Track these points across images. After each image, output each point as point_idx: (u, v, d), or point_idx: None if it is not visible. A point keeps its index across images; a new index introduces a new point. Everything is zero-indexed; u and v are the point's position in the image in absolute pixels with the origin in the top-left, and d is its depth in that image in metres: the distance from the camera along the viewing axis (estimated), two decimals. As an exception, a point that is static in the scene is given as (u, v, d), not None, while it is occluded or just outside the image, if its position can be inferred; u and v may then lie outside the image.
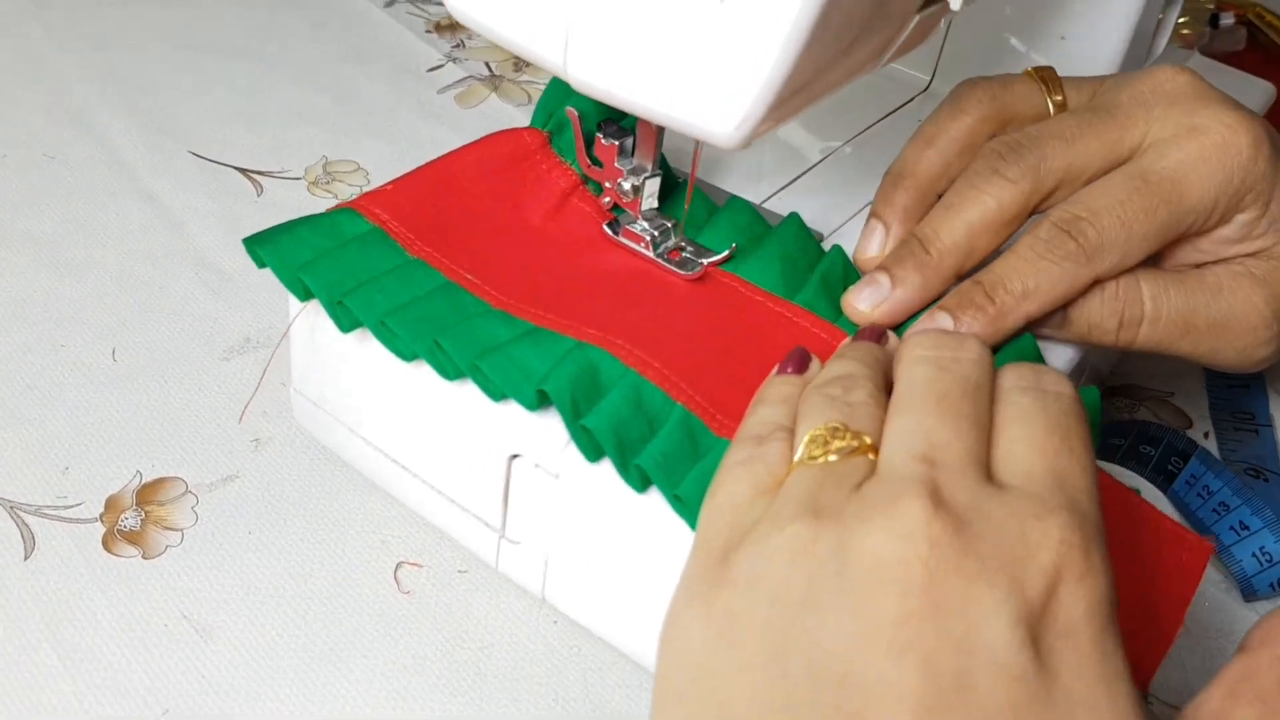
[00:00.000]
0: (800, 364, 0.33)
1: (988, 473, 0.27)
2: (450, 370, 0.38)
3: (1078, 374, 0.45)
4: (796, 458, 0.29)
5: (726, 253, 0.41)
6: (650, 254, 0.41)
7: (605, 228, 0.42)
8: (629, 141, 0.41)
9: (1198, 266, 0.41)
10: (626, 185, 0.41)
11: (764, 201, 0.47)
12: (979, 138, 0.41)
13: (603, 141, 0.41)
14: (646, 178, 0.41)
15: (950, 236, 0.39)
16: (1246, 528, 0.48)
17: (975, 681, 0.23)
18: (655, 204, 0.42)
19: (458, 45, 0.75)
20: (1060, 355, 0.42)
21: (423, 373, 0.38)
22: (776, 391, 0.32)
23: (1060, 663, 0.24)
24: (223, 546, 0.43)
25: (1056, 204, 0.39)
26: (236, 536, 0.44)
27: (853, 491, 0.27)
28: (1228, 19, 0.88)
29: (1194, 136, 0.38)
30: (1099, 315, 0.40)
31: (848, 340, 0.36)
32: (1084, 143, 0.39)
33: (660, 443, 0.34)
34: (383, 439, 0.42)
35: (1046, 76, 0.42)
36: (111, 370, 0.50)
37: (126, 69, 0.68)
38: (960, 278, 0.40)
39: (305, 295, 0.40)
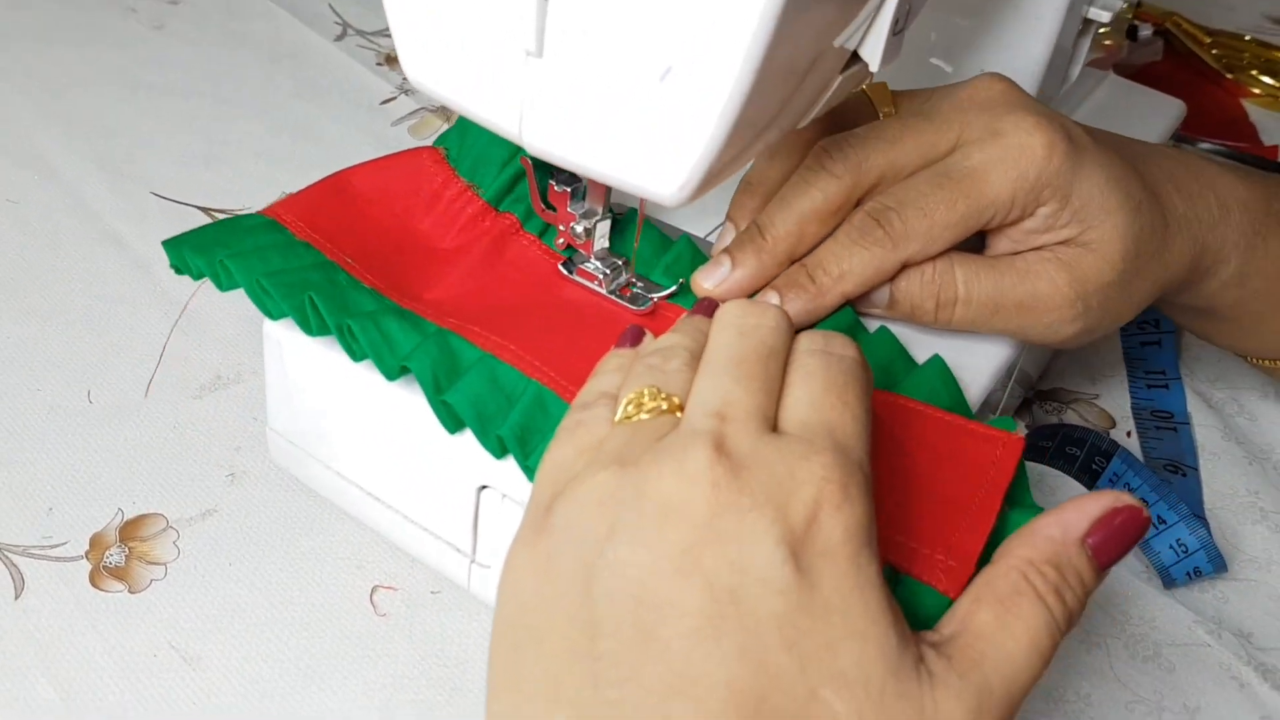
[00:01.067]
0: (635, 339, 0.37)
1: (773, 425, 0.31)
2: (315, 327, 0.41)
3: (1006, 375, 0.49)
4: (616, 418, 0.33)
5: (674, 288, 0.44)
6: (603, 291, 0.44)
7: (560, 268, 0.45)
8: (581, 188, 0.44)
9: (1015, 255, 0.45)
10: (579, 228, 0.44)
11: (709, 234, 0.50)
12: None
13: (555, 189, 0.43)
14: (597, 220, 0.44)
15: (783, 225, 0.43)
16: (1164, 521, 0.51)
17: (747, 595, 0.27)
18: (606, 244, 0.45)
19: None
20: (994, 357, 0.46)
21: (394, 407, 0.41)
22: (609, 363, 0.36)
23: (820, 577, 0.28)
24: (205, 578, 0.46)
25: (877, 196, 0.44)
26: (218, 568, 0.46)
27: (655, 443, 0.31)
28: (1145, 29, 0.91)
29: (996, 139, 0.43)
30: (919, 297, 0.44)
31: (684, 315, 0.39)
32: (903, 144, 0.44)
33: (517, 415, 0.38)
34: (356, 473, 0.44)
35: (875, 92, 0.47)
36: (88, 412, 0.52)
37: (84, 111, 0.70)
38: (793, 261, 0.44)
39: (197, 273, 0.43)
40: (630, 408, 0.32)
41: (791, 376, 0.32)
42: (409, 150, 0.49)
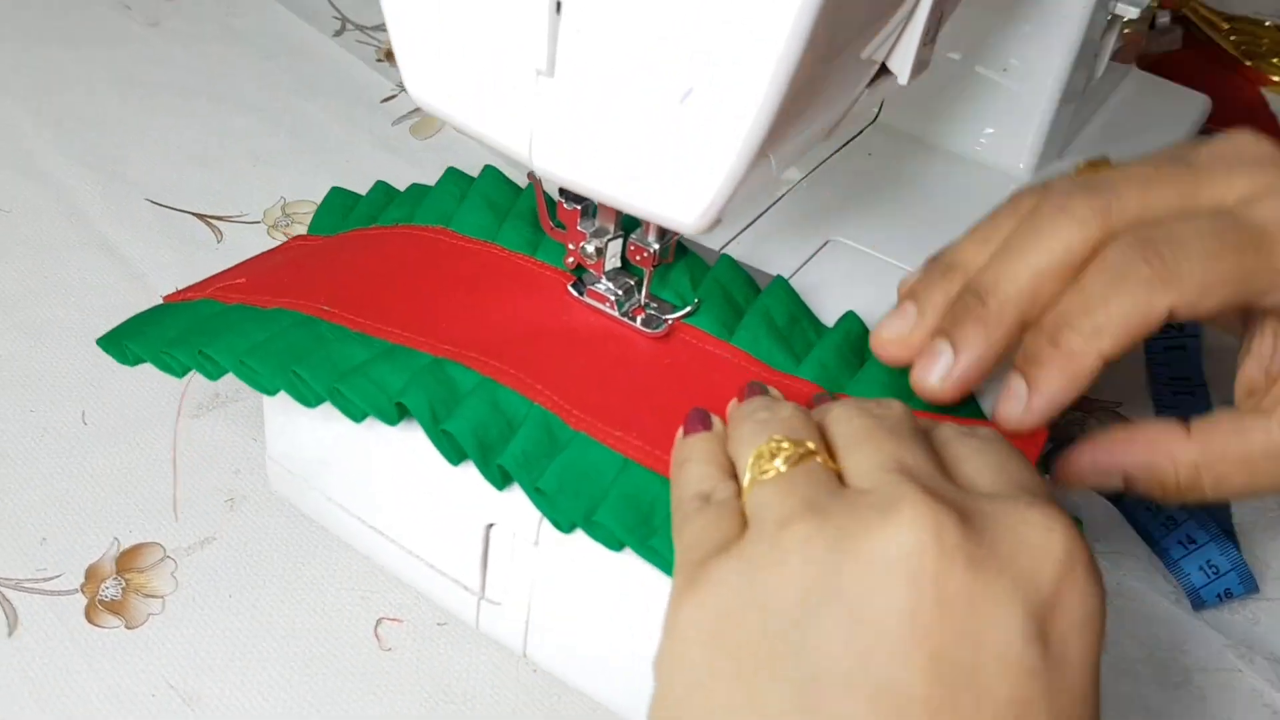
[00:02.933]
0: (704, 421, 0.33)
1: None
2: (310, 398, 0.39)
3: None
4: (745, 482, 0.29)
5: (689, 308, 0.42)
6: (615, 313, 0.42)
7: (570, 289, 0.43)
8: (591, 205, 0.42)
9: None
10: (590, 248, 0.42)
11: (723, 247, 0.48)
12: None
13: (565, 206, 0.42)
14: (609, 239, 0.42)
15: (1013, 285, 0.35)
16: (1193, 541, 0.50)
17: (985, 676, 0.23)
18: (619, 264, 0.43)
19: (409, 73, 0.75)
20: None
21: (397, 445, 0.39)
22: (693, 449, 0.32)
23: (1069, 656, 0.24)
24: (204, 611, 0.44)
25: None
26: (217, 600, 0.45)
27: (832, 493, 0.26)
28: (1163, 16, 0.89)
29: None
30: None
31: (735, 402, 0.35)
32: (1160, 189, 0.35)
33: (520, 441, 0.36)
34: (358, 506, 0.43)
35: (1098, 167, 0.41)
36: (83, 434, 0.50)
37: (76, 112, 0.68)
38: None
39: (181, 369, 0.42)
40: (762, 463, 0.28)
41: (953, 453, 0.28)
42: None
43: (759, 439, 0.29)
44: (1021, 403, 0.35)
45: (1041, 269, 0.35)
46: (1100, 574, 0.26)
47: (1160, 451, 0.37)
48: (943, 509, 0.25)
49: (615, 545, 0.36)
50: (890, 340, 0.37)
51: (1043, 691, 0.24)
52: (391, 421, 0.38)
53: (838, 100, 0.35)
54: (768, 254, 0.47)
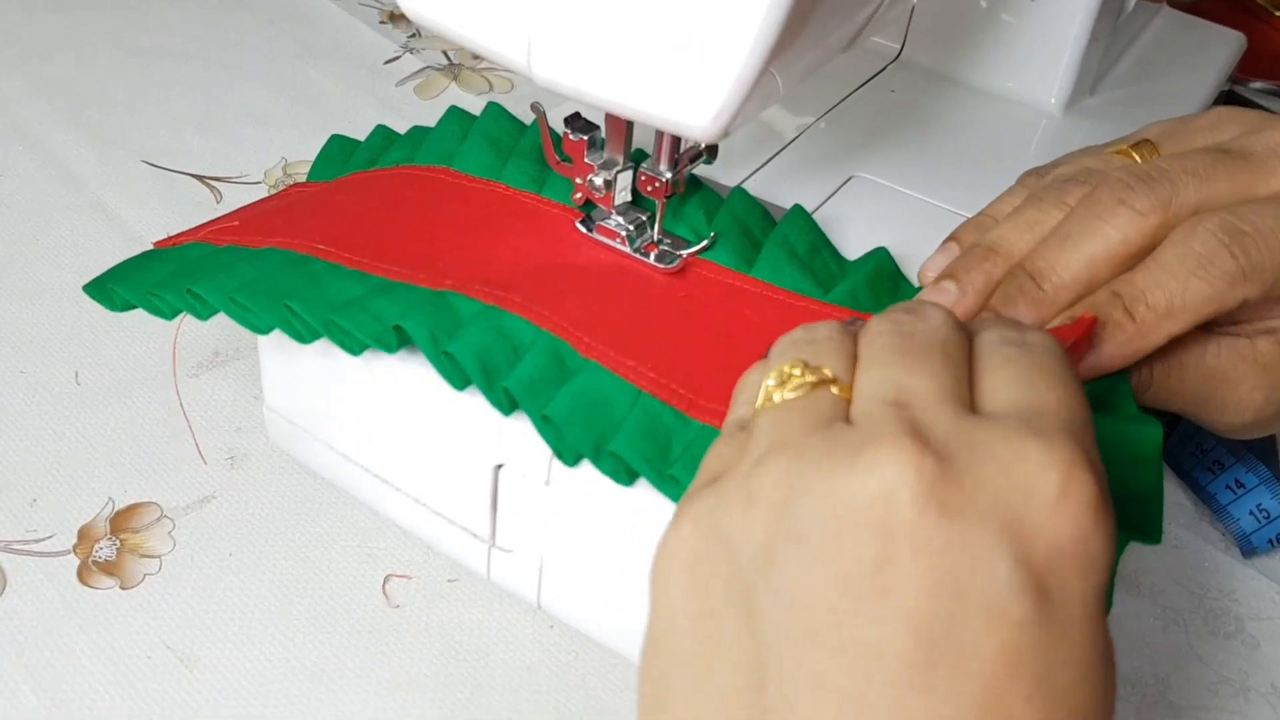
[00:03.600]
0: None
1: (970, 409, 0.25)
2: (305, 333, 0.37)
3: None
4: (757, 404, 0.27)
5: (705, 242, 0.40)
6: (627, 249, 0.40)
7: (578, 225, 0.41)
8: (598, 135, 0.40)
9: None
10: (598, 181, 0.39)
11: (741, 184, 0.45)
12: None
13: (570, 137, 0.39)
14: (618, 171, 0.40)
15: (1069, 271, 0.35)
16: (1242, 485, 0.47)
17: (967, 629, 0.21)
18: (629, 198, 0.40)
19: (414, 35, 0.73)
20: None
21: (400, 383, 0.37)
22: (754, 376, 0.30)
23: (1068, 603, 0.22)
24: (203, 571, 0.42)
25: None
26: (217, 559, 0.43)
27: (818, 429, 0.24)
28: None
29: None
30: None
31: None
32: (1217, 182, 0.35)
33: (526, 366, 0.34)
34: (362, 453, 0.41)
35: (1141, 151, 0.39)
36: (76, 394, 0.48)
37: (70, 78, 0.66)
38: None
39: (171, 311, 0.39)
40: (774, 388, 0.26)
41: (982, 366, 0.26)
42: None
43: (783, 362, 0.27)
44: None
45: (1098, 258, 0.35)
46: (1109, 513, 0.23)
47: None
48: (922, 448, 0.22)
49: (626, 479, 0.33)
50: None
51: (1036, 643, 0.21)
52: (391, 348, 0.35)
53: (853, 6, 0.32)
54: (786, 191, 0.45)
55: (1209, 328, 0.37)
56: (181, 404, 0.48)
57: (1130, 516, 0.30)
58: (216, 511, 0.44)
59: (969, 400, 0.25)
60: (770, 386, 0.26)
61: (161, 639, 0.40)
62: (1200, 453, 0.49)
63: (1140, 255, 0.35)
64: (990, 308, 0.36)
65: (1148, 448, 0.31)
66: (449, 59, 0.71)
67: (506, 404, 0.35)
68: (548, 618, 0.41)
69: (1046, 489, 0.22)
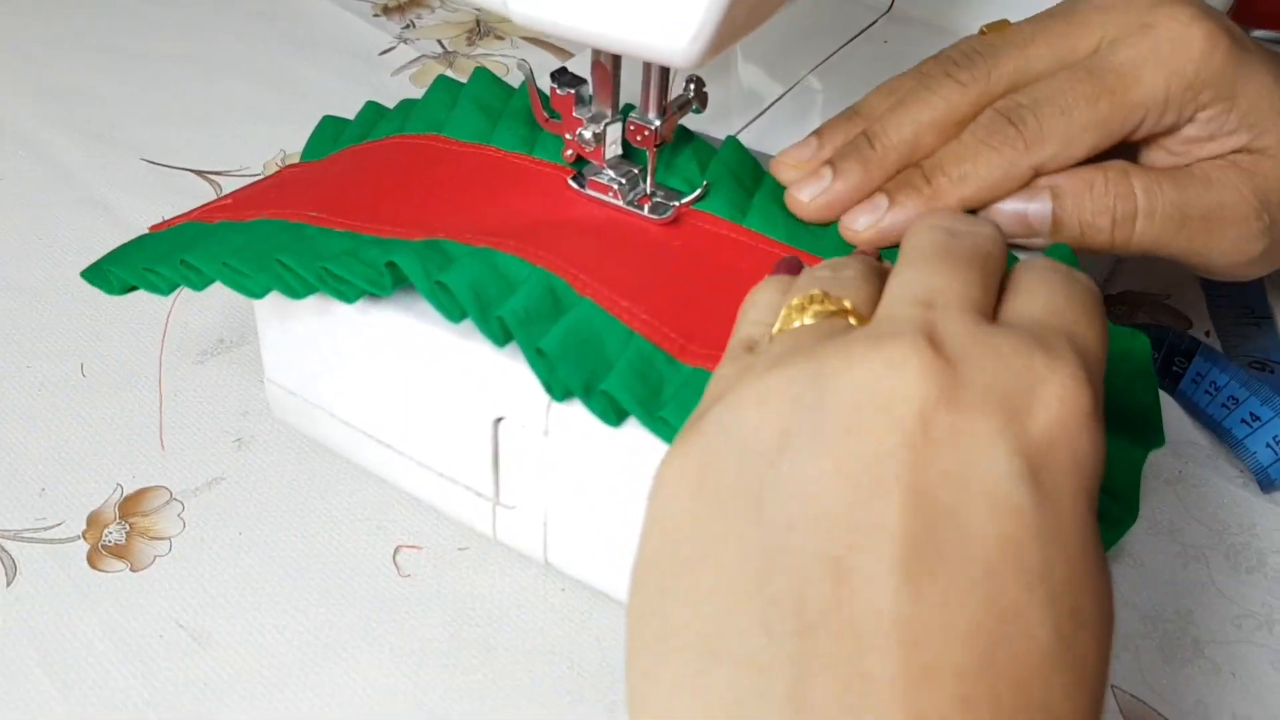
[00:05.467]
0: (793, 268, 0.32)
1: (992, 320, 0.26)
2: (299, 287, 0.37)
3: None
4: (774, 329, 0.27)
5: (698, 191, 0.40)
6: (620, 203, 0.40)
7: (570, 182, 0.40)
8: (585, 89, 0.39)
9: (1189, 165, 0.40)
10: (587, 134, 0.39)
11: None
12: None
13: (558, 92, 0.39)
14: (607, 124, 0.39)
15: (897, 133, 0.39)
16: (1257, 418, 0.47)
17: (969, 516, 0.22)
18: (620, 151, 0.40)
19: (408, 25, 0.73)
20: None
21: (396, 335, 0.37)
22: (760, 294, 0.31)
23: (1062, 500, 0.22)
24: (213, 550, 0.42)
25: None
26: (227, 539, 0.42)
27: (838, 335, 0.25)
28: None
29: (1147, 33, 0.38)
30: (1090, 214, 0.39)
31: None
32: (1035, 47, 0.39)
33: (521, 299, 0.34)
34: (363, 419, 0.40)
35: (998, 28, 0.42)
36: (82, 385, 0.48)
37: (65, 81, 0.66)
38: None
39: (167, 286, 0.39)
40: (792, 315, 0.27)
41: (1018, 283, 0.27)
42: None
43: (807, 289, 0.28)
44: (879, 214, 0.38)
45: (923, 123, 0.39)
46: (1101, 428, 0.24)
47: (1084, 174, 0.39)
48: (936, 350, 0.23)
49: (614, 419, 0.33)
50: (788, 163, 0.41)
51: (1034, 534, 0.22)
52: (385, 289, 0.35)
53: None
54: (779, 142, 0.44)
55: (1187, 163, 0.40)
56: (176, 392, 0.48)
57: (1136, 429, 0.31)
58: (225, 492, 0.44)
59: (992, 314, 0.26)
60: (792, 306, 0.27)
61: (173, 618, 0.40)
62: (1214, 390, 0.48)
63: (966, 122, 0.39)
64: (829, 161, 0.40)
65: (1141, 360, 0.33)
66: (443, 47, 0.71)
67: (501, 335, 0.34)
68: (560, 580, 0.41)
69: (1045, 392, 0.23)
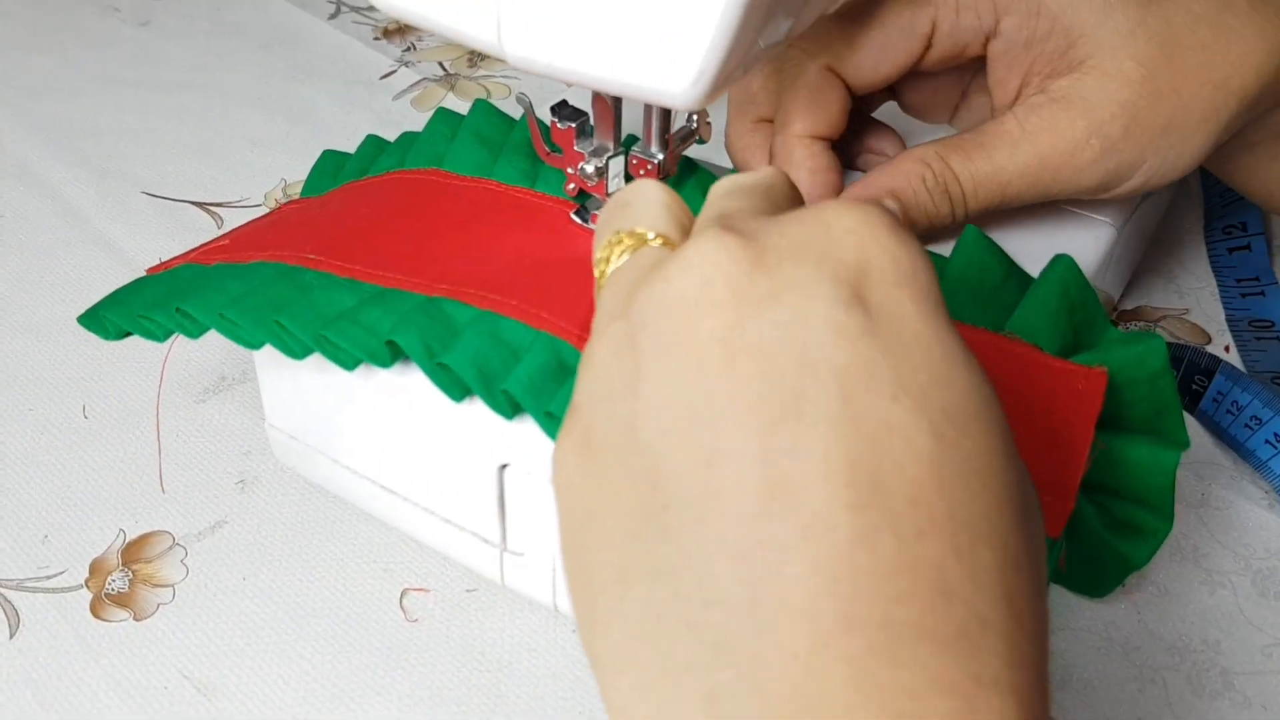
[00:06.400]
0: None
1: None
2: (297, 349, 0.36)
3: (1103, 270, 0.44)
4: (597, 288, 0.27)
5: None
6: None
7: (573, 216, 0.40)
8: (586, 122, 0.39)
9: (1002, 117, 0.40)
10: (589, 168, 0.38)
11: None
12: None
13: (558, 126, 0.38)
14: (610, 157, 0.39)
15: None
16: (1283, 440, 0.45)
17: (817, 355, 0.21)
18: (622, 184, 0.39)
19: (408, 49, 0.73)
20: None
21: (398, 391, 0.36)
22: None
23: (897, 312, 0.22)
24: (217, 597, 0.41)
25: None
26: (231, 585, 0.42)
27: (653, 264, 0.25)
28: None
29: None
30: (932, 205, 0.39)
31: None
32: None
33: (525, 367, 0.33)
34: (366, 465, 0.40)
35: None
36: (84, 428, 0.48)
37: (66, 116, 0.66)
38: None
39: (162, 333, 0.39)
40: (603, 264, 0.27)
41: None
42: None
43: (605, 232, 0.27)
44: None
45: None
46: (911, 234, 0.23)
47: (911, 172, 0.40)
48: (731, 236, 0.23)
49: None
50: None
51: (881, 350, 0.21)
52: (385, 364, 0.34)
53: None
54: (787, 167, 0.44)
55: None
56: (180, 433, 0.47)
57: (1162, 432, 0.30)
58: (228, 536, 0.43)
59: None
60: (599, 259, 0.27)
61: (178, 668, 0.39)
62: (1236, 410, 0.47)
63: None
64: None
65: (1157, 361, 0.33)
66: (445, 70, 0.71)
67: (508, 408, 0.34)
68: (570, 621, 0.40)
69: (843, 223, 0.23)
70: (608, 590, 0.22)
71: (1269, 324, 0.53)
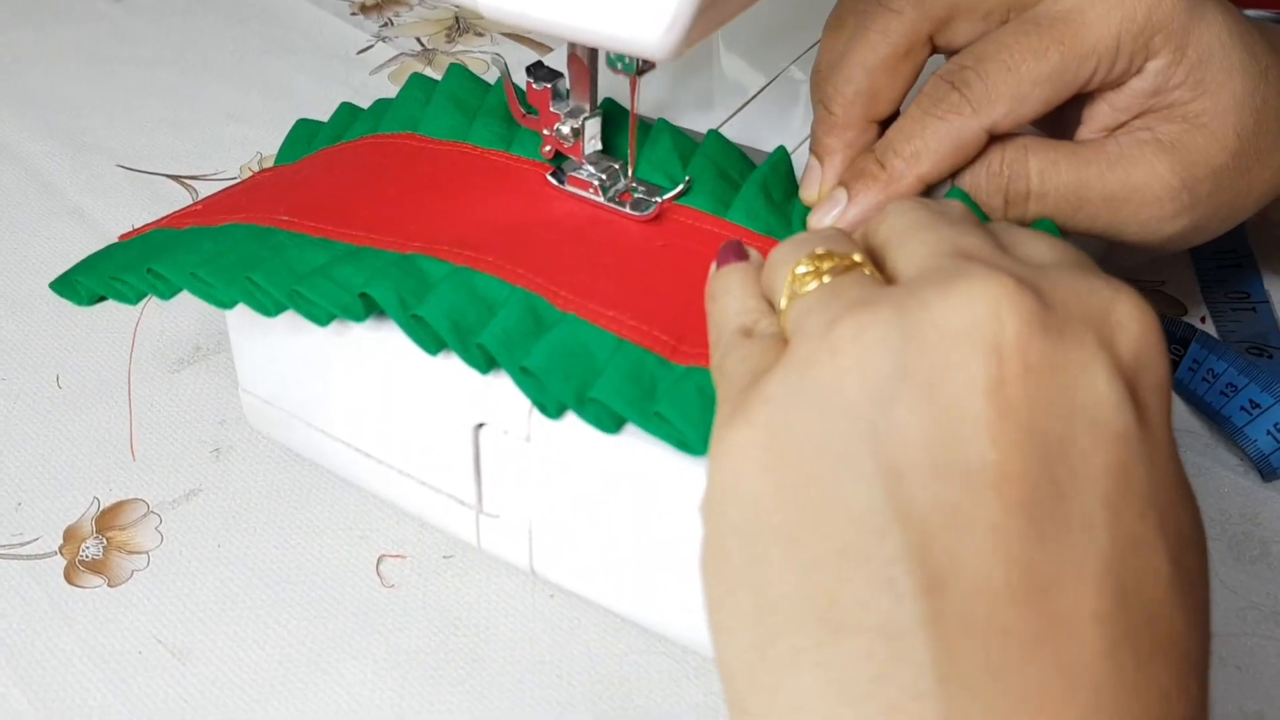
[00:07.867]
0: (739, 253, 0.31)
1: None
2: (269, 305, 0.36)
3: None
4: (784, 302, 0.26)
5: (680, 187, 0.39)
6: (600, 199, 0.39)
7: (549, 178, 0.40)
8: (562, 83, 0.38)
9: (1106, 138, 0.39)
10: (565, 129, 0.38)
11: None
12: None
13: (534, 87, 0.38)
14: (586, 118, 0.38)
15: (849, 85, 0.37)
16: (1257, 405, 0.46)
17: (1077, 446, 0.21)
18: (599, 146, 0.39)
19: (386, 24, 0.72)
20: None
21: (372, 348, 0.36)
22: (730, 280, 0.30)
23: (1155, 419, 0.22)
24: (192, 564, 0.41)
25: (956, 42, 0.38)
26: (205, 552, 0.42)
27: (883, 289, 0.24)
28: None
29: None
30: (984, 193, 0.38)
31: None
32: None
33: (501, 321, 0.33)
34: (341, 428, 0.40)
35: None
36: (57, 397, 0.47)
37: (41, 90, 0.65)
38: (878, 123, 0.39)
39: (135, 295, 0.39)
40: (804, 280, 0.25)
41: (1012, 237, 0.26)
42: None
43: (798, 257, 0.27)
44: (839, 208, 0.37)
45: (870, 65, 0.37)
46: (1166, 344, 0.24)
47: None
48: (1011, 277, 0.22)
49: (611, 427, 0.32)
50: (807, 198, 0.40)
51: (1139, 456, 0.21)
52: (358, 318, 0.34)
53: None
54: (763, 134, 0.44)
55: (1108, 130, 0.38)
56: (154, 403, 0.47)
57: None
58: (203, 504, 0.43)
59: None
60: (801, 274, 0.26)
61: (152, 633, 0.39)
62: (1212, 377, 0.47)
63: (914, 55, 0.37)
64: (812, 149, 0.39)
65: None
66: (422, 44, 0.70)
67: (483, 362, 0.34)
68: (547, 587, 0.40)
69: (1120, 312, 0.23)
70: (798, 626, 0.21)
71: (1245, 295, 0.53)
